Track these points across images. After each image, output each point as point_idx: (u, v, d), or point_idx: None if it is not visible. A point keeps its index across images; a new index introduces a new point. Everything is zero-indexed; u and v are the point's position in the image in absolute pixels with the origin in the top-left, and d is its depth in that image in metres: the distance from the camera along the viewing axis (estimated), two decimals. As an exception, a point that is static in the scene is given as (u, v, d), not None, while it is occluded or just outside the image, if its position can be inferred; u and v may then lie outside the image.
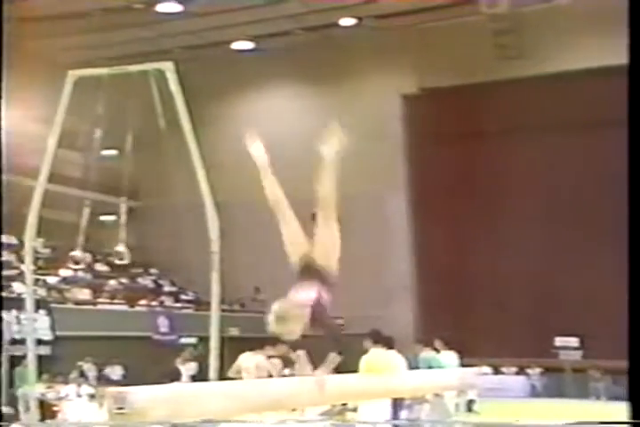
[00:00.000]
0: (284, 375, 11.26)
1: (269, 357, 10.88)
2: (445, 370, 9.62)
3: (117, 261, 14.22)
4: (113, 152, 22.95)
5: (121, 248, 12.91)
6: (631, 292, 3.45)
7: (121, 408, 3.56)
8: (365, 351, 9.73)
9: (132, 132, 13.95)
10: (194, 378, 16.49)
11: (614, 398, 24.04)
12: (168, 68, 11.51)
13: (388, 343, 10.13)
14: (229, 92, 31.20)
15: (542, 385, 26.45)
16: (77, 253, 14.44)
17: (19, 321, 17.72)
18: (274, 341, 11.02)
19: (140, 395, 3.63)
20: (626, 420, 3.60)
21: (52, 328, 20.52)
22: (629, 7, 3.96)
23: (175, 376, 16.07)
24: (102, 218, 28.43)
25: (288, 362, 11.67)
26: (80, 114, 13.74)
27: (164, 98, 12.13)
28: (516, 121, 27.82)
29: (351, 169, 28.66)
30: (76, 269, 25.38)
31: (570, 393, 25.05)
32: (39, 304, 18.46)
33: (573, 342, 25.97)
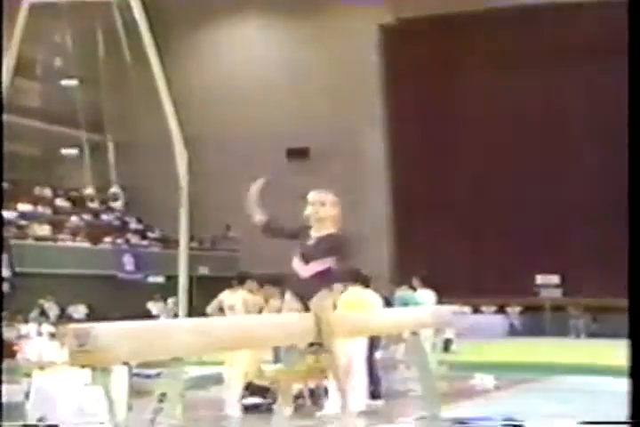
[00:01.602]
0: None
1: (250, 291, 10.91)
2: (421, 307, 9.74)
3: (112, 203, 14.05)
4: (74, 82, 22.65)
5: (116, 189, 12.73)
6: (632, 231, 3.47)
7: (82, 345, 3.50)
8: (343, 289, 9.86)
9: (96, 63, 13.73)
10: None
11: (593, 335, 24.55)
12: (132, -4, 11.26)
13: (365, 282, 10.27)
14: (199, 22, 30.67)
15: (522, 324, 26.81)
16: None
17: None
18: (251, 278, 11.08)
19: (102, 331, 3.56)
20: (626, 420, 3.68)
21: (11, 265, 20.48)
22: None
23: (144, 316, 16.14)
24: (64, 151, 28.21)
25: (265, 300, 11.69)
26: (40, 42, 13.51)
27: (129, 28, 11.91)
28: (495, 51, 27.62)
29: (327, 102, 28.54)
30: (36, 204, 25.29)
31: (549, 331, 25.46)
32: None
33: (554, 279, 26.30)
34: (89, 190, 16.20)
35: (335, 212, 5.29)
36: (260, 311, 10.07)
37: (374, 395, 10.25)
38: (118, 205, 13.08)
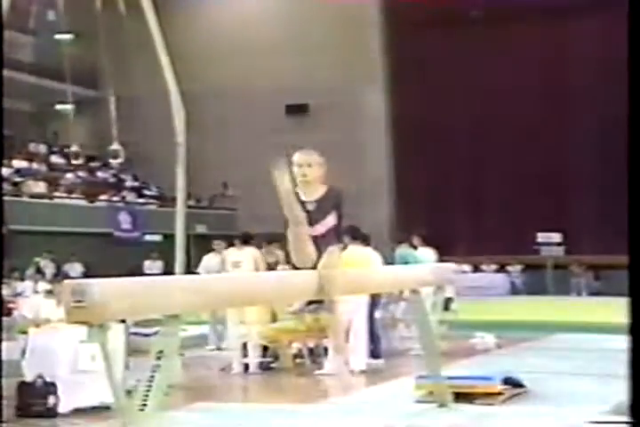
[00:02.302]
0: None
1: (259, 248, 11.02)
2: (421, 265, 9.76)
3: (112, 161, 13.93)
4: (68, 36, 22.46)
5: (116, 146, 12.65)
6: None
7: (79, 302, 3.50)
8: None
9: (91, 17, 13.58)
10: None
11: (595, 293, 24.70)
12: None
13: (365, 240, 10.30)
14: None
15: (523, 282, 26.92)
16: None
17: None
18: (254, 237, 11.15)
19: (99, 288, 3.57)
20: (626, 420, 3.71)
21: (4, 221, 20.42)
22: None
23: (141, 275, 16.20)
24: (58, 107, 28.08)
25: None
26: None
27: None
28: (495, 4, 27.32)
29: (326, 58, 28.30)
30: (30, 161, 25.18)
31: (551, 290, 25.59)
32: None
33: (556, 237, 26.32)
34: (74, 148, 16.06)
35: (321, 173, 5.24)
36: (272, 269, 10.14)
37: (374, 354, 10.31)
38: (119, 162, 12.91)
